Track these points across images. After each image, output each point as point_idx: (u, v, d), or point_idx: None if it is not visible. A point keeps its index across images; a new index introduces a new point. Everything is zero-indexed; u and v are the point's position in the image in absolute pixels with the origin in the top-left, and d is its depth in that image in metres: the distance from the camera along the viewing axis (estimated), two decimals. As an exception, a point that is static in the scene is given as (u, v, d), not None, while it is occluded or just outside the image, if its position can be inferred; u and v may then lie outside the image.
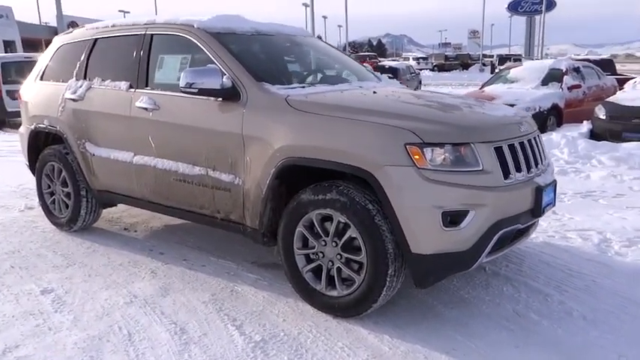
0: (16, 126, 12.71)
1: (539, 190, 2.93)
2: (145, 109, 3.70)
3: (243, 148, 3.20)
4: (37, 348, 2.72)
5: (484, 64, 46.34)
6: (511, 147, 2.89)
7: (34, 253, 4.12)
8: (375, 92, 3.45)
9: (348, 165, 2.78)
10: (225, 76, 3.28)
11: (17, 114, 12.33)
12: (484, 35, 58.32)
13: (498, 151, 2.81)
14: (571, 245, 4.03)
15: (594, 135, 8.20)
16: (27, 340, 2.80)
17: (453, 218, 2.64)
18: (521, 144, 2.99)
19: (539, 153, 3.18)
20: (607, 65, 14.30)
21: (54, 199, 4.67)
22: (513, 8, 36.28)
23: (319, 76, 4.00)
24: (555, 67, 10.02)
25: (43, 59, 4.82)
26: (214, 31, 3.61)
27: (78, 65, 4.35)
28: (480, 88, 10.82)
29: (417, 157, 2.65)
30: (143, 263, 3.85)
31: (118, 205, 4.51)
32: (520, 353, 2.62)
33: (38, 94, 4.69)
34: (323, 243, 2.97)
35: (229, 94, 3.27)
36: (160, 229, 4.69)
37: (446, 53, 62.31)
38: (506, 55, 43.53)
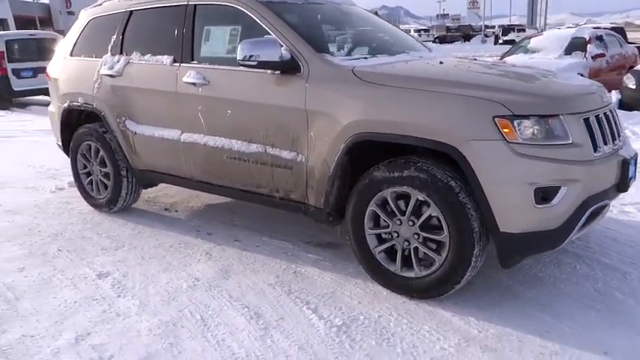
0: (23, 106, 12.59)
1: (625, 163, 2.80)
2: (193, 84, 3.53)
3: (307, 124, 3.04)
4: (110, 335, 2.61)
5: (486, 35, 45.78)
6: (597, 118, 2.75)
7: (78, 235, 3.99)
8: (441, 62, 3.28)
9: (431, 140, 2.63)
10: (282, 48, 3.10)
11: (24, 93, 12.16)
12: (484, 5, 57.49)
13: (586, 122, 2.67)
14: (633, 220, 3.92)
15: (623, 105, 8.04)
16: (97, 327, 2.69)
17: (544, 195, 2.51)
18: (605, 115, 2.85)
19: (618, 125, 3.04)
20: (619, 33, 14.02)
21: (91, 179, 4.52)
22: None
23: (373, 46, 3.81)
24: (578, 36, 9.79)
25: (72, 34, 4.61)
26: (265, 0, 3.43)
27: (113, 39, 4.16)
28: (501, 59, 10.59)
29: (506, 130, 2.51)
30: (194, 245, 3.73)
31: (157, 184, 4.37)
32: (617, 334, 2.52)
33: (69, 71, 4.50)
34: (398, 222, 2.85)
35: (288, 67, 3.11)
36: (200, 208, 4.56)
37: (447, 24, 61.49)
38: (509, 25, 42.97)
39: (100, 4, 4.47)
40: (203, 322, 2.71)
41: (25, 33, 12.57)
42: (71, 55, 4.55)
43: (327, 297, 2.93)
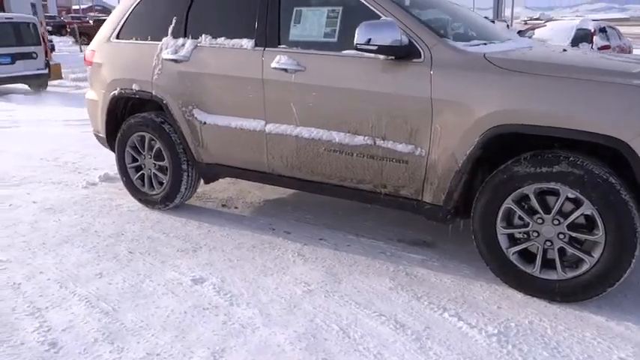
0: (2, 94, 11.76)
1: None
2: (284, 70, 3.23)
3: (431, 115, 2.81)
4: (249, 351, 2.33)
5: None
6: None
7: (142, 235, 3.64)
8: (565, 50, 3.10)
9: (593, 133, 2.44)
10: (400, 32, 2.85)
11: (6, 80, 11.36)
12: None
13: None
14: None
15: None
16: (229, 342, 2.39)
17: None
18: None
19: None
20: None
21: (142, 174, 4.15)
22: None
23: (466, 32, 3.59)
24: (582, 28, 9.87)
25: (117, 15, 4.20)
26: (369, -19, 3.15)
27: (174, 21, 3.79)
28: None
29: (678, 123, 2.34)
30: (278, 245, 3.45)
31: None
32: None
33: (118, 55, 4.10)
34: (539, 221, 2.66)
35: (405, 53, 2.86)
36: (261, 204, 4.26)
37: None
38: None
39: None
40: (345, 333, 2.45)
41: (2, 16, 11.73)
42: (118, 37, 4.14)
43: (460, 302, 2.72)
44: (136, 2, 4.07)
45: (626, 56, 3.20)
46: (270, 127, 3.37)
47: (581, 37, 9.71)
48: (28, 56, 11.67)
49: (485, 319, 2.56)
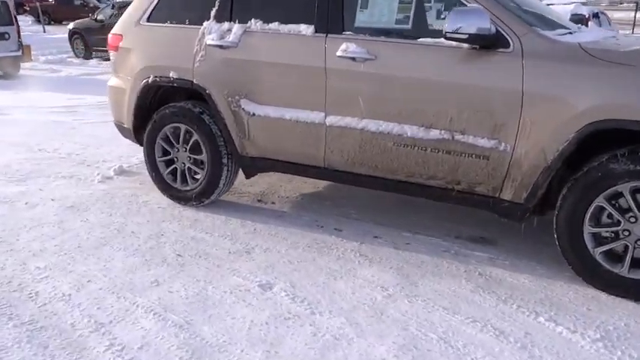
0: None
1: None
2: (352, 59, 3.03)
3: (521, 108, 2.67)
4: (355, 367, 2.16)
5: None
6: None
7: (184, 235, 3.40)
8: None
9: None
10: None
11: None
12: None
13: None
14: None
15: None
16: (328, 356, 2.22)
17: None
18: None
19: None
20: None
21: (174, 168, 3.88)
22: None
23: (549, 20, 3.34)
24: (577, 13, 9.91)
25: (149, -4, 3.89)
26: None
27: (217, 3, 3.53)
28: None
29: None
30: (334, 244, 3.28)
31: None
32: None
33: (150, 40, 3.81)
34: (632, 219, 2.56)
35: (492, 42, 2.71)
36: (298, 198, 4.07)
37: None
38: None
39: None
40: (446, 342, 2.31)
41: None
42: (149, 21, 3.84)
43: (547, 304, 2.61)
44: (169, -16, 3.77)
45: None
46: (332, 120, 3.17)
47: (576, 22, 9.72)
48: (0, 37, 11.01)
49: (581, 322, 2.46)
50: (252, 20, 3.38)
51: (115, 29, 4.05)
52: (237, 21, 3.45)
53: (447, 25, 2.65)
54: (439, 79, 2.85)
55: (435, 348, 2.27)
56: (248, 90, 3.41)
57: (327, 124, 3.18)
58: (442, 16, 3.24)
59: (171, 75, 3.63)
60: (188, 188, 3.83)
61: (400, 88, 2.95)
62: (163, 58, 3.69)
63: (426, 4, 3.16)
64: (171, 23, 3.73)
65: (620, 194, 2.57)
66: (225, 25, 3.47)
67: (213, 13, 3.52)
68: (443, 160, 2.93)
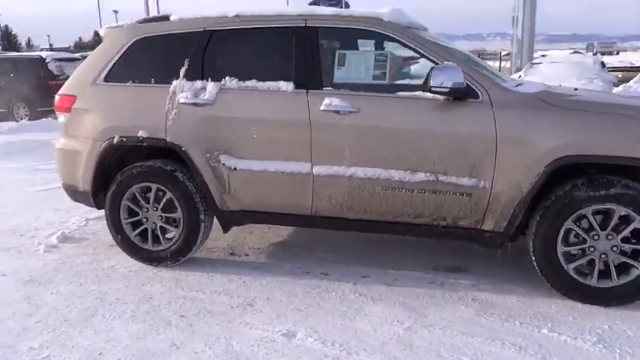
0: None
1: None
2: (337, 112, 3.28)
3: (495, 149, 3.09)
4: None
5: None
6: None
7: (176, 296, 3.32)
8: (576, 89, 3.61)
9: (649, 160, 2.92)
10: None
11: None
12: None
13: None
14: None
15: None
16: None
17: None
18: None
19: None
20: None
21: (144, 229, 3.77)
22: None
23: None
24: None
25: (103, 56, 3.83)
26: (406, 25, 3.38)
27: (187, 63, 3.59)
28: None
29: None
30: (329, 287, 3.41)
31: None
32: None
33: (111, 100, 3.73)
34: (595, 237, 3.06)
35: (464, 94, 3.12)
36: (269, 248, 4.14)
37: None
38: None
39: (146, 24, 3.80)
40: (481, 363, 2.55)
41: None
42: (106, 80, 3.76)
43: (541, 318, 2.98)
44: (130, 42, 3.75)
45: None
46: (319, 169, 3.35)
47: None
48: None
49: (576, 329, 2.85)
50: (227, 78, 3.49)
51: (66, 90, 3.90)
52: (209, 79, 3.54)
53: (432, 80, 3.01)
54: (421, 127, 3.19)
55: (478, 371, 2.50)
56: (228, 146, 3.48)
57: (315, 173, 3.36)
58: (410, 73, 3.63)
59: (140, 134, 3.58)
60: (161, 248, 3.74)
61: (385, 137, 3.24)
62: (129, 117, 3.64)
63: (398, 61, 3.51)
64: (133, 83, 3.69)
65: (584, 216, 3.05)
66: (198, 83, 3.54)
67: (182, 72, 3.57)
68: (429, 199, 3.24)
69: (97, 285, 3.49)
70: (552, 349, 2.66)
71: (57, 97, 3.94)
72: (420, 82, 3.23)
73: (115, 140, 3.63)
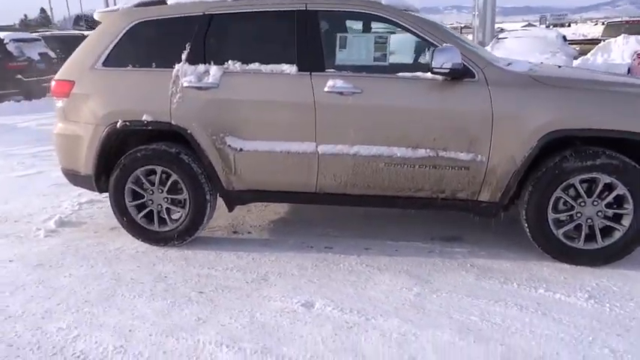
0: None
1: None
2: (340, 93, 3.42)
3: (492, 125, 3.30)
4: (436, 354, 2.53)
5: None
6: None
7: (189, 274, 3.44)
8: (560, 67, 3.86)
9: (627, 131, 3.19)
10: None
11: None
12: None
13: None
14: None
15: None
16: (407, 348, 2.56)
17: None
18: None
19: None
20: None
21: (149, 210, 3.85)
22: None
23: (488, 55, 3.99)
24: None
25: (100, 40, 3.84)
26: (403, 8, 3.53)
27: (189, 47, 3.65)
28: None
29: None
30: (336, 260, 3.59)
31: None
32: None
33: (112, 85, 3.76)
34: (582, 204, 3.33)
35: (461, 74, 3.31)
36: (270, 225, 4.29)
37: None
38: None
39: (145, 8, 3.82)
40: (488, 321, 2.80)
41: None
42: (105, 65, 3.79)
43: (535, 279, 3.25)
44: (127, 27, 3.78)
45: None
46: (324, 148, 3.50)
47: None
48: None
49: (570, 289, 3.12)
50: (230, 62, 3.57)
51: (63, 75, 3.90)
52: (211, 63, 3.61)
53: (433, 62, 3.19)
54: (421, 106, 3.37)
55: (483, 327, 2.74)
56: (233, 127, 3.58)
57: (320, 152, 3.50)
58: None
59: (144, 118, 3.64)
60: (168, 229, 3.83)
61: (387, 116, 3.41)
62: (133, 102, 3.68)
63: (403, 43, 3.67)
64: (133, 67, 3.73)
65: (572, 185, 3.31)
66: (201, 67, 3.61)
67: (184, 56, 3.63)
68: (429, 174, 3.44)
69: (108, 267, 3.57)
70: (550, 306, 2.93)
71: (53, 83, 3.92)
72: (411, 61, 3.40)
73: (119, 125, 3.67)
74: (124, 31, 3.78)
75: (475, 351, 2.55)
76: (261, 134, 3.57)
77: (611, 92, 3.32)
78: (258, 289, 3.21)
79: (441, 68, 3.20)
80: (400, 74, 3.41)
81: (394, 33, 3.59)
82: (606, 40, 14.37)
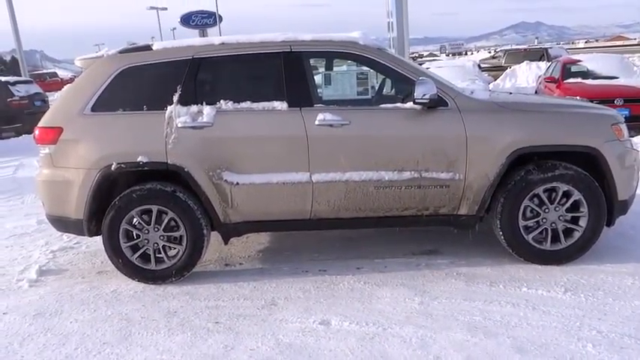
0: None
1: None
2: (330, 125, 3.74)
3: (466, 147, 3.74)
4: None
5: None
6: None
7: (199, 307, 3.54)
8: (511, 93, 4.40)
9: (580, 145, 3.74)
10: None
11: None
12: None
13: None
14: None
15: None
16: (429, 349, 2.85)
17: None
18: None
19: None
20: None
21: (145, 250, 3.92)
22: (185, 22, 37.61)
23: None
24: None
25: (88, 87, 3.91)
26: (377, 47, 3.93)
27: (180, 89, 3.83)
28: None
29: (617, 133, 3.82)
30: (333, 281, 3.83)
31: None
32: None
33: (103, 129, 3.84)
34: (546, 210, 3.83)
35: (436, 103, 3.74)
36: (259, 255, 4.46)
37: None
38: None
39: (131, 54, 3.95)
40: (489, 319, 3.15)
41: None
42: (93, 110, 3.87)
43: (517, 280, 3.66)
44: (115, 72, 3.89)
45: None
46: (318, 177, 3.77)
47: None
48: None
49: (547, 285, 3.56)
50: (222, 101, 3.79)
51: (49, 122, 3.92)
52: (204, 103, 3.81)
53: (415, 93, 3.59)
54: (404, 133, 3.76)
55: (488, 324, 3.09)
56: (229, 163, 3.78)
57: (314, 180, 3.77)
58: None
59: (139, 159, 3.75)
60: (165, 266, 3.91)
61: (374, 143, 3.76)
62: (126, 144, 3.78)
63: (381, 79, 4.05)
64: (124, 111, 3.84)
65: (537, 195, 3.80)
66: (194, 107, 3.79)
67: (176, 98, 3.80)
68: (415, 193, 3.81)
69: (111, 308, 3.59)
70: (536, 301, 3.34)
71: (37, 131, 3.93)
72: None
73: (113, 167, 3.75)
74: (112, 77, 3.88)
75: (489, 345, 2.88)
76: (257, 167, 3.79)
77: (561, 113, 3.88)
78: (271, 314, 3.38)
79: (422, 99, 3.60)
80: (382, 105, 3.78)
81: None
82: (511, 67, 15.91)
